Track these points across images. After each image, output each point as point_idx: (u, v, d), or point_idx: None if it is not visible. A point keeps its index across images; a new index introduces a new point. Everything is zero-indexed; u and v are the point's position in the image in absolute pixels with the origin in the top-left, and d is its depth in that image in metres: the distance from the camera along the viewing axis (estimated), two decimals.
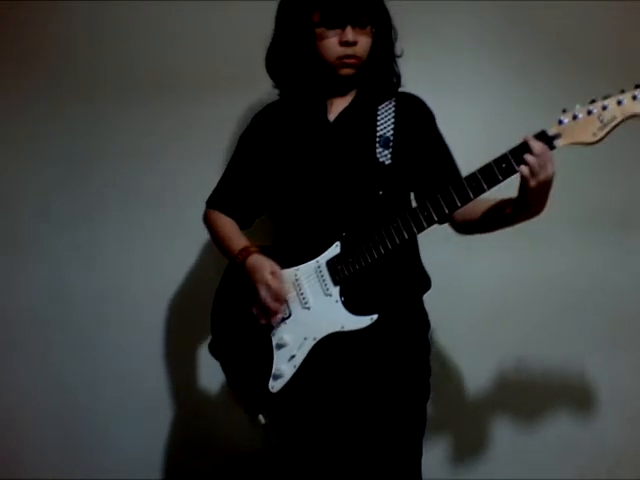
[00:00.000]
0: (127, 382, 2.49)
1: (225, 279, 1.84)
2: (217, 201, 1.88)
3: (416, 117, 1.75)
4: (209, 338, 1.86)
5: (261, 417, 1.75)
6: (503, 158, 1.48)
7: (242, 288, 1.74)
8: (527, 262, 2.29)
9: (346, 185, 1.69)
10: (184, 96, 2.40)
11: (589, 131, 1.42)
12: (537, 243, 2.22)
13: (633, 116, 1.39)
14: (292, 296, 1.69)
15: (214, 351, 1.84)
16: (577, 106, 1.43)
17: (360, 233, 1.63)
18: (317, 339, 1.65)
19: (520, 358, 2.28)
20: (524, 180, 1.46)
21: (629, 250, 2.28)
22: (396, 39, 1.75)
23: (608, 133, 1.41)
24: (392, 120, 1.72)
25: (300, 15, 1.67)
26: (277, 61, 1.76)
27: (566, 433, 2.31)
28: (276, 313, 1.68)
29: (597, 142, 1.42)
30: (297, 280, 1.69)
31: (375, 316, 1.59)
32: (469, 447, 2.38)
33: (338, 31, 1.65)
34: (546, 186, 1.48)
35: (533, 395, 2.31)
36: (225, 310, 1.82)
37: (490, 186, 1.50)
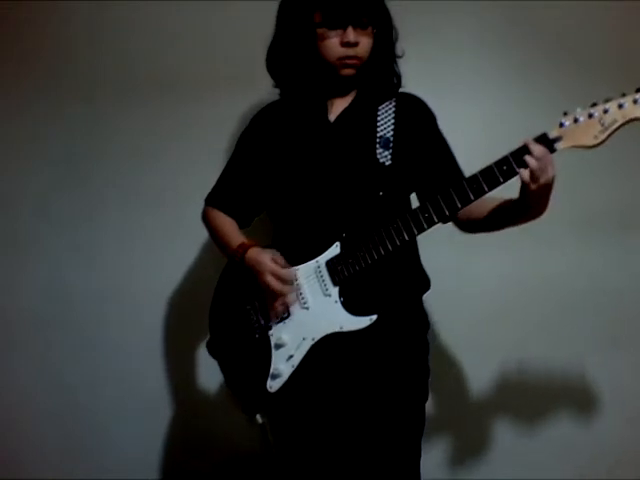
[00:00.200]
0: (127, 382, 2.48)
1: (223, 278, 1.84)
2: (216, 199, 1.89)
3: (416, 118, 1.75)
4: (208, 337, 1.86)
5: (258, 417, 1.75)
6: (504, 160, 1.48)
7: (241, 287, 1.74)
8: (527, 262, 2.29)
9: (346, 186, 1.69)
10: (184, 96, 2.40)
11: (590, 134, 1.42)
12: (537, 243, 2.22)
13: (634, 120, 1.39)
14: (293, 293, 1.69)
15: (212, 350, 1.84)
16: (578, 109, 1.44)
17: (360, 234, 1.63)
18: (316, 339, 1.65)
19: (520, 358, 2.28)
20: (524, 183, 1.46)
21: (629, 250, 2.28)
22: (397, 40, 1.75)
23: (609, 136, 1.41)
24: (392, 121, 1.72)
25: (301, 15, 1.67)
26: (278, 61, 1.76)
27: (566, 433, 2.30)
28: (287, 296, 1.67)
29: (598, 145, 1.43)
30: (296, 280, 1.69)
31: (374, 317, 1.59)
32: (469, 447, 2.38)
33: (339, 31, 1.65)
34: (547, 189, 1.48)
35: (533, 395, 2.30)
36: (223, 309, 1.82)
37: (491, 188, 1.50)
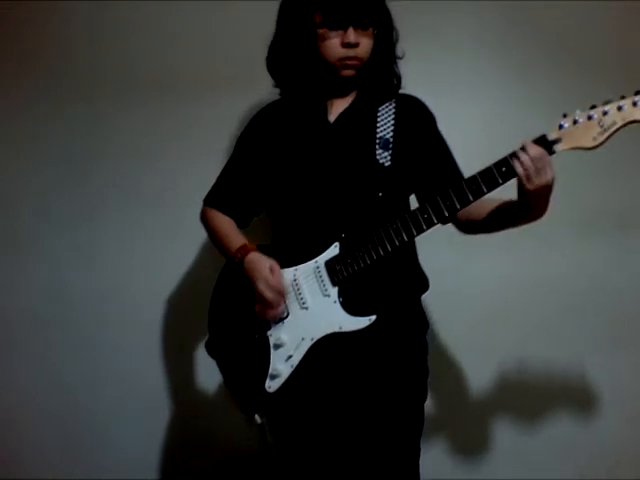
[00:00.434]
0: (127, 382, 2.48)
1: (222, 278, 1.84)
2: (215, 199, 1.88)
3: (416, 119, 1.76)
4: (207, 337, 1.86)
5: (257, 417, 1.75)
6: (503, 162, 1.49)
7: (239, 287, 1.74)
8: (527, 263, 2.29)
9: (345, 186, 1.69)
10: (184, 96, 2.40)
11: (589, 136, 1.43)
12: (537, 244, 2.22)
13: (633, 122, 1.40)
14: (290, 296, 1.69)
15: (211, 350, 1.84)
16: (577, 111, 1.44)
17: (359, 234, 1.63)
18: (315, 339, 1.65)
19: (520, 358, 2.28)
20: (520, 183, 1.47)
21: (629, 250, 2.28)
22: (397, 41, 1.75)
23: (608, 138, 1.42)
24: (392, 122, 1.72)
25: (302, 15, 1.67)
26: (278, 61, 1.76)
27: (566, 433, 2.30)
28: (277, 308, 1.68)
29: (597, 147, 1.43)
30: (295, 280, 1.69)
31: (373, 317, 1.59)
32: (469, 447, 2.38)
33: (340, 32, 1.65)
34: (546, 190, 1.48)
35: (533, 395, 2.30)
36: (222, 309, 1.82)
37: (490, 189, 1.51)
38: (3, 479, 2.46)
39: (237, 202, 1.86)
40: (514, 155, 1.47)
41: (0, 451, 2.52)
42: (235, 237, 1.80)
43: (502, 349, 2.29)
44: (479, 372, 2.34)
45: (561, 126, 1.45)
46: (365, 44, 1.67)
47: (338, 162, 1.70)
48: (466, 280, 2.32)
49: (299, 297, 1.69)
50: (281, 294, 1.67)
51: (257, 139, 1.82)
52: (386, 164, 1.68)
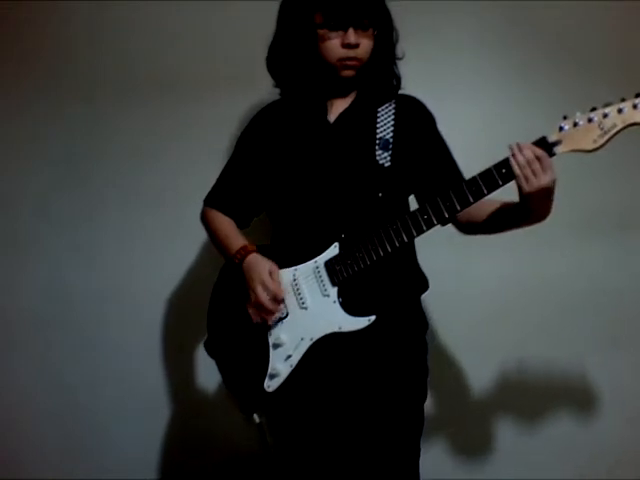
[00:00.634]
0: (127, 382, 2.48)
1: (222, 277, 1.84)
2: (215, 200, 1.88)
3: (416, 120, 1.76)
4: (206, 337, 1.86)
5: (256, 416, 1.75)
6: (503, 163, 1.49)
7: (239, 287, 1.74)
8: (527, 263, 2.29)
9: (345, 187, 1.69)
10: (184, 96, 2.40)
11: (589, 138, 1.43)
12: (537, 244, 2.22)
13: (633, 124, 1.40)
14: (290, 296, 1.69)
15: (210, 349, 1.84)
16: (578, 113, 1.44)
17: (359, 235, 1.63)
18: (314, 339, 1.65)
19: (520, 358, 2.28)
20: (519, 185, 1.47)
21: (629, 251, 2.28)
22: (397, 41, 1.75)
23: (608, 141, 1.42)
24: (392, 122, 1.72)
25: (302, 16, 1.67)
26: (278, 61, 1.76)
27: (566, 433, 2.30)
28: (272, 313, 1.68)
29: (597, 149, 1.43)
30: (295, 280, 1.69)
31: (373, 317, 1.59)
32: (469, 447, 2.38)
33: (340, 33, 1.65)
34: (547, 192, 1.48)
35: (533, 395, 2.30)
36: (222, 308, 1.82)
37: (490, 190, 1.51)
38: (3, 479, 2.46)
39: (237, 202, 1.86)
40: (513, 157, 1.47)
41: (0, 451, 2.52)
42: (235, 238, 1.79)
43: (502, 349, 2.29)
44: (479, 372, 2.34)
45: (561, 128, 1.45)
46: (365, 45, 1.67)
47: (338, 162, 1.70)
48: (466, 280, 2.32)
49: (298, 297, 1.69)
50: (277, 300, 1.67)
51: (257, 139, 1.82)
52: (386, 165, 1.68)
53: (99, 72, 2.45)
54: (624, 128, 1.41)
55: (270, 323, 1.70)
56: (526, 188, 1.46)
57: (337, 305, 1.63)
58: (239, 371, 1.77)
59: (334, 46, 1.66)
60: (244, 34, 2.30)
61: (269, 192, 1.81)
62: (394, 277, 1.70)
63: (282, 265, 1.70)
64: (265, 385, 1.69)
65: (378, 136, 1.71)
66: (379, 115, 1.73)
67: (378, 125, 1.72)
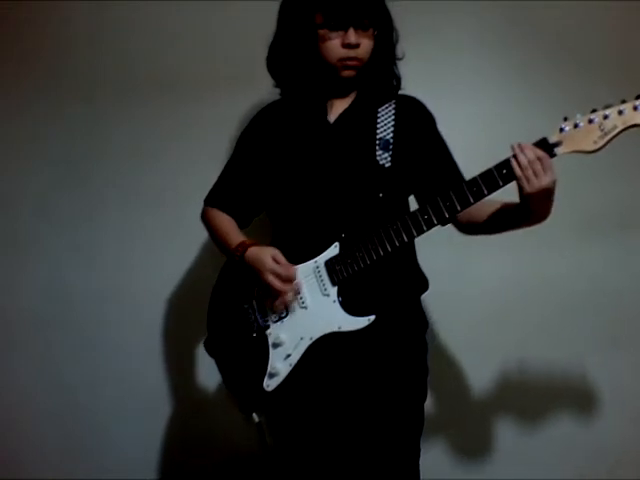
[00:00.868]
0: (127, 382, 2.48)
1: (222, 276, 1.84)
2: (215, 199, 1.89)
3: (416, 120, 1.76)
4: (206, 336, 1.86)
5: (255, 416, 1.75)
6: (504, 164, 1.49)
7: (239, 286, 1.74)
8: (527, 263, 2.28)
9: (346, 187, 1.69)
10: (184, 96, 2.40)
11: (590, 139, 1.43)
12: (537, 244, 2.22)
13: (634, 126, 1.40)
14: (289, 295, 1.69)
15: (210, 349, 1.84)
16: (578, 115, 1.45)
17: (359, 235, 1.63)
18: (313, 339, 1.65)
19: (521, 359, 2.28)
20: (520, 185, 1.47)
21: (629, 251, 2.28)
22: (397, 41, 1.75)
23: (608, 142, 1.43)
24: (392, 123, 1.72)
25: (303, 16, 1.67)
26: (278, 61, 1.76)
27: (567, 433, 2.30)
28: (288, 295, 1.66)
29: (597, 150, 1.44)
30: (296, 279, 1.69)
31: (372, 317, 1.59)
32: (469, 447, 2.38)
33: (340, 33, 1.65)
34: (547, 193, 1.48)
35: (534, 395, 2.30)
36: (221, 308, 1.82)
37: (490, 191, 1.51)
38: (3, 479, 2.46)
39: (238, 202, 1.86)
40: (514, 157, 1.47)
41: (0, 451, 2.52)
42: (235, 235, 1.79)
43: (502, 349, 2.29)
44: (479, 372, 2.34)
45: (562, 129, 1.46)
46: (365, 45, 1.67)
47: (338, 163, 1.70)
48: (466, 280, 2.32)
49: (298, 296, 1.68)
50: (290, 280, 1.66)
51: (257, 139, 1.83)
52: (386, 165, 1.68)
53: (99, 72, 2.45)
54: (624, 129, 1.41)
55: (290, 306, 1.68)
56: (527, 189, 1.46)
57: (337, 305, 1.63)
58: (238, 370, 1.77)
59: (334, 46, 1.66)
60: (244, 34, 2.30)
61: (269, 192, 1.81)
62: (394, 277, 1.70)
63: None
64: (264, 384, 1.69)
65: (378, 136, 1.71)
66: (379, 115, 1.73)
67: (378, 125, 1.72)
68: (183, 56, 2.41)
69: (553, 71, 2.26)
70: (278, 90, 1.82)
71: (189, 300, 2.43)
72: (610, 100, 1.43)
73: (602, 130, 1.42)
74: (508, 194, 1.55)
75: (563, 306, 2.29)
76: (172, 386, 2.51)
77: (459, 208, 1.54)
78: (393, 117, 1.73)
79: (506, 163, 1.48)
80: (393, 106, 1.75)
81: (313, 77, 1.72)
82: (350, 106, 1.75)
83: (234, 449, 2.42)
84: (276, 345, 1.70)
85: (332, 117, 1.75)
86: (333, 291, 1.64)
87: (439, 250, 2.11)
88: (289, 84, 1.77)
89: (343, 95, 1.76)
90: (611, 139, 1.42)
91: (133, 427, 2.50)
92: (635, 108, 1.39)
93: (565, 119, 1.46)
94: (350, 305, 1.63)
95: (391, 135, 1.71)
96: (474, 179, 1.52)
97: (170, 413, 2.51)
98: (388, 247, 1.59)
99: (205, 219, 1.90)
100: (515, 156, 1.47)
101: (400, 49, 1.76)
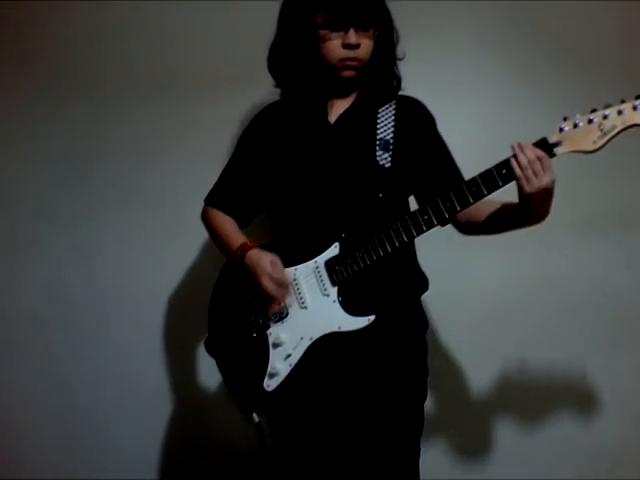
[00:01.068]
0: (127, 382, 2.49)
1: (223, 276, 1.84)
2: (216, 199, 1.89)
3: (416, 120, 1.76)
4: (206, 336, 1.86)
5: (255, 416, 1.75)
6: (504, 164, 1.49)
7: (239, 286, 1.74)
8: (527, 263, 2.29)
9: (346, 187, 1.69)
10: (184, 96, 2.40)
11: (589, 139, 1.43)
12: (537, 244, 2.22)
13: (633, 126, 1.41)
14: (290, 295, 1.69)
15: (210, 348, 1.84)
16: (578, 115, 1.45)
17: (359, 235, 1.63)
18: (313, 339, 1.65)
19: (521, 359, 2.28)
20: (520, 185, 1.47)
21: (629, 251, 2.28)
22: (398, 42, 1.75)
23: (608, 142, 1.43)
24: (392, 123, 1.72)
25: (303, 16, 1.67)
26: (279, 61, 1.76)
27: (567, 433, 2.30)
28: (280, 301, 1.68)
29: (597, 150, 1.44)
30: (295, 280, 1.69)
31: (372, 317, 1.60)
32: (469, 447, 2.38)
33: (341, 33, 1.65)
34: (546, 193, 1.49)
35: (534, 395, 2.30)
36: (222, 308, 1.82)
37: (490, 191, 1.51)
38: (3, 479, 2.46)
39: (238, 202, 1.86)
40: (514, 157, 1.47)
41: (0, 451, 2.52)
42: (236, 236, 1.80)
43: (502, 349, 2.29)
44: (479, 372, 2.34)
45: (561, 129, 1.46)
46: (366, 45, 1.67)
47: (338, 163, 1.70)
48: (466, 280, 2.32)
49: (298, 296, 1.69)
50: (284, 287, 1.67)
51: (258, 139, 1.83)
52: (386, 165, 1.68)
53: (99, 72, 2.46)
54: (624, 129, 1.42)
55: (282, 312, 1.69)
56: (527, 189, 1.46)
57: (337, 305, 1.63)
58: (239, 370, 1.77)
59: (335, 46, 1.66)
60: (244, 34, 2.30)
61: (270, 192, 1.81)
62: (394, 277, 1.70)
63: (282, 265, 1.70)
64: (264, 384, 1.69)
65: (378, 137, 1.71)
66: (379, 116, 1.73)
67: (378, 126, 1.72)
68: (183, 56, 2.41)
69: (553, 71, 2.26)
70: (278, 90, 1.82)
71: (189, 300, 2.43)
72: (610, 100, 1.43)
73: (602, 130, 1.42)
74: (508, 194, 1.55)
75: (563, 306, 2.29)
76: (172, 386, 2.51)
77: (459, 208, 1.54)
78: (393, 117, 1.73)
79: (506, 163, 1.48)
80: (393, 106, 1.75)
81: (313, 77, 1.72)
82: (350, 106, 1.75)
83: (234, 449, 2.42)
84: (276, 345, 1.70)
85: (332, 117, 1.75)
86: (333, 291, 1.65)
87: (439, 250, 2.11)
88: (290, 84, 1.77)
89: (343, 95, 1.76)
90: (610, 139, 1.42)
91: (133, 427, 2.50)
92: (634, 108, 1.39)
93: (565, 119, 1.46)
94: (350, 305, 1.63)
95: (391, 135, 1.71)
96: (474, 179, 1.52)
97: (170, 413, 2.51)
98: (388, 247, 1.59)
99: (205, 219, 1.90)
100: (515, 156, 1.47)
101: (400, 49, 1.76)
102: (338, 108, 1.76)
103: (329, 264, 1.65)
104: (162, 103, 2.41)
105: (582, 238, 2.27)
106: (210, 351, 1.84)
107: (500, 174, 1.49)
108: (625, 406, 2.29)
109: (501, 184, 1.50)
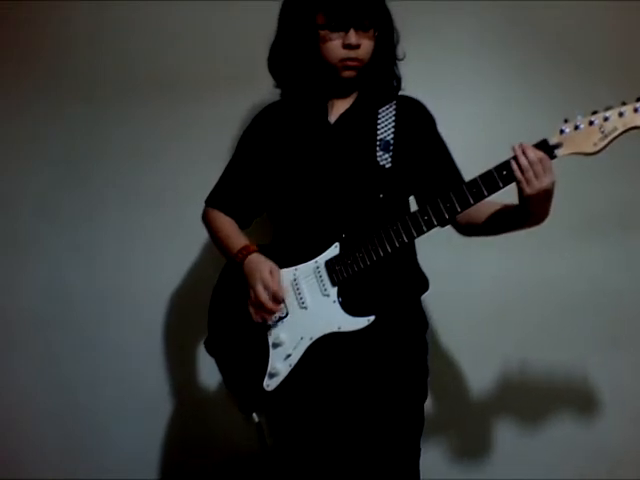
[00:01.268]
0: (127, 382, 2.49)
1: (223, 277, 1.84)
2: (216, 200, 1.89)
3: (416, 121, 1.76)
4: (206, 336, 1.86)
5: (255, 416, 1.75)
6: (504, 165, 1.49)
7: (240, 286, 1.74)
8: (527, 264, 2.28)
9: (346, 187, 1.69)
10: (184, 96, 2.40)
11: (590, 141, 1.43)
12: (537, 245, 2.22)
13: (634, 128, 1.41)
14: (290, 296, 1.69)
15: (210, 348, 1.84)
16: (579, 116, 1.45)
17: (360, 235, 1.63)
18: (313, 339, 1.65)
19: (521, 359, 2.28)
20: (520, 187, 1.47)
21: (629, 251, 2.28)
22: (398, 42, 1.76)
23: (609, 144, 1.43)
24: (392, 124, 1.72)
25: (304, 16, 1.67)
26: (279, 61, 1.77)
27: (567, 433, 2.30)
28: (272, 313, 1.68)
29: (597, 152, 1.44)
30: (295, 280, 1.69)
31: (372, 317, 1.59)
32: (469, 447, 2.38)
33: (341, 34, 1.65)
34: (546, 195, 1.49)
35: (534, 396, 2.30)
36: (222, 308, 1.82)
37: (490, 192, 1.51)
38: (3, 479, 2.46)
39: (239, 202, 1.86)
40: (514, 159, 1.47)
41: (0, 451, 2.52)
42: (237, 238, 1.80)
43: (502, 349, 2.29)
44: (479, 372, 2.33)
45: (562, 131, 1.46)
46: (366, 45, 1.68)
47: (339, 163, 1.70)
48: (466, 280, 2.32)
49: (298, 297, 1.69)
50: (277, 299, 1.67)
51: (258, 140, 1.83)
52: (387, 166, 1.68)
53: (99, 72, 2.46)
54: (625, 131, 1.42)
55: (270, 322, 1.70)
56: (527, 190, 1.46)
57: (337, 305, 1.63)
58: (239, 370, 1.77)
59: (335, 47, 1.66)
60: (244, 34, 2.30)
61: (270, 192, 1.81)
62: (394, 277, 1.70)
63: (282, 265, 1.70)
64: (264, 384, 1.69)
65: (379, 137, 1.71)
66: (380, 116, 1.73)
67: (379, 126, 1.72)
68: (183, 56, 2.41)
69: (553, 71, 2.26)
70: (279, 90, 1.82)
71: (189, 300, 2.43)
72: (610, 100, 1.43)
73: (602, 132, 1.42)
74: (507, 195, 1.55)
75: (563, 306, 2.29)
76: (172, 386, 2.51)
77: (459, 209, 1.54)
78: (393, 118, 1.73)
79: (506, 164, 1.48)
80: (394, 107, 1.75)
81: (314, 77, 1.73)
82: (351, 107, 1.75)
83: (234, 449, 2.42)
84: (276, 345, 1.70)
85: (333, 118, 1.75)
86: (333, 291, 1.65)
87: (439, 250, 2.11)
88: (290, 84, 1.77)
89: (344, 96, 1.76)
90: (611, 141, 1.42)
91: (133, 427, 2.50)
92: (635, 110, 1.39)
93: (565, 121, 1.46)
94: (350, 305, 1.63)
95: (391, 136, 1.71)
96: (474, 180, 1.52)
97: (170, 413, 2.51)
98: (388, 248, 1.59)
99: (206, 220, 1.90)
100: (515, 157, 1.47)
101: (400, 49, 1.76)
102: (338, 108, 1.76)
103: (329, 264, 1.65)
104: (162, 103, 2.41)
105: (582, 239, 2.27)
106: (210, 351, 1.84)
107: (501, 175, 1.49)
108: (625, 406, 2.29)
109: (501, 185, 1.50)
